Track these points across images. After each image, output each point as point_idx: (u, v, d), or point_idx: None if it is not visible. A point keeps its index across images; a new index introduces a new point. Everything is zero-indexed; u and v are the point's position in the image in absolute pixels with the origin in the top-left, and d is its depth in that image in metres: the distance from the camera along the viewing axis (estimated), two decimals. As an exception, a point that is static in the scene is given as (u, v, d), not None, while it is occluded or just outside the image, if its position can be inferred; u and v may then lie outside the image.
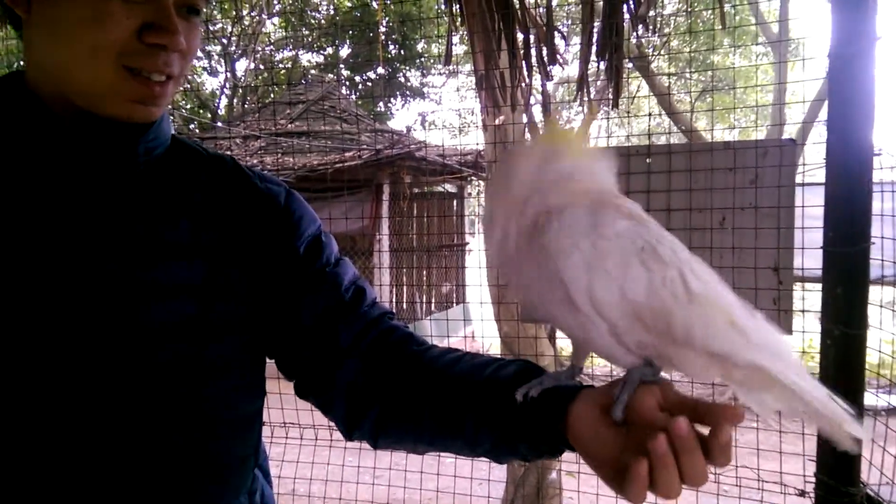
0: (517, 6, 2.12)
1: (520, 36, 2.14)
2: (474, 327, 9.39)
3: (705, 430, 0.58)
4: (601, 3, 2.06)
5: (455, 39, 2.41)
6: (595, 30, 2.03)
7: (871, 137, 1.18)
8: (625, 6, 2.00)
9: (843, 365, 1.26)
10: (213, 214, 0.81)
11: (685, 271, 0.64)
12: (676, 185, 1.52)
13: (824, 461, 1.29)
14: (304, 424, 2.75)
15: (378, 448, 0.89)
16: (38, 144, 0.74)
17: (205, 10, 0.78)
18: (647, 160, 1.50)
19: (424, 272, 9.47)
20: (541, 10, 2.21)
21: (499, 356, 0.81)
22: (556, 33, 2.08)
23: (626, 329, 0.63)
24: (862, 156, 1.18)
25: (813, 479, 1.30)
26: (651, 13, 1.96)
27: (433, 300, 9.70)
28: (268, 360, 0.89)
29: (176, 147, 0.83)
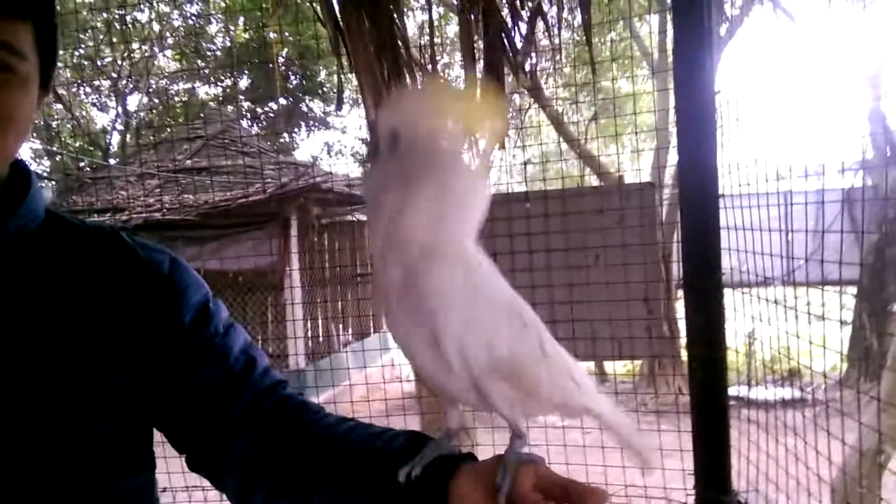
0: (404, 55, 2.21)
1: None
2: (393, 355, 9.39)
3: None
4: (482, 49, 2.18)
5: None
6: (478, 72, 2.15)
7: (717, 183, 1.33)
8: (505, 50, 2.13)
9: (709, 384, 1.40)
10: (91, 288, 0.79)
11: (542, 334, 0.72)
12: (553, 228, 1.64)
13: (700, 474, 1.42)
14: (207, 487, 2.69)
15: None
16: None
17: (19, 64, 0.71)
18: (526, 205, 1.61)
19: (339, 303, 9.37)
20: (425, 56, 2.31)
21: (388, 427, 0.82)
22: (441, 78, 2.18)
23: (486, 380, 0.67)
24: (709, 200, 1.32)
25: (692, 492, 1.43)
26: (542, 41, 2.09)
27: (349, 331, 9.61)
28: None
29: (50, 221, 0.81)
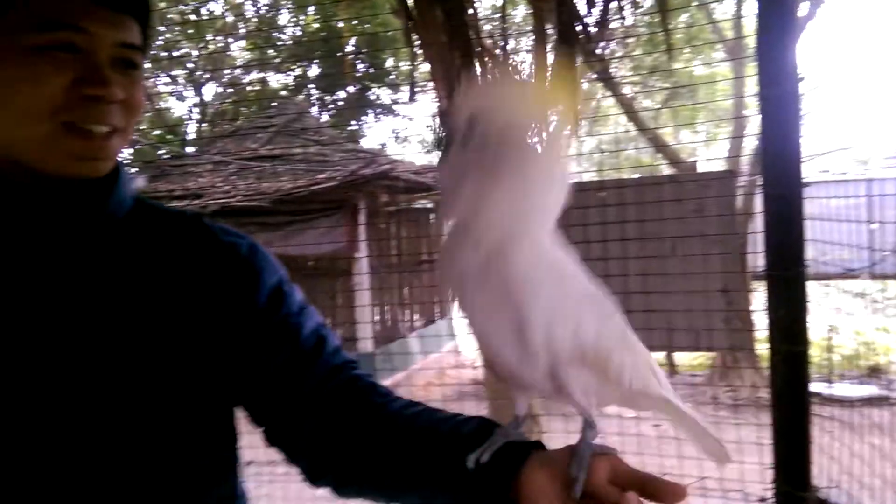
0: (475, 43, 2.22)
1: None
2: (457, 341, 9.45)
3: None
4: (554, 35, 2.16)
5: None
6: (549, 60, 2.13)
7: (800, 168, 1.29)
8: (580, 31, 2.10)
9: (790, 379, 1.36)
10: (176, 271, 0.82)
11: (623, 322, 0.73)
12: (629, 217, 1.62)
13: (780, 469, 1.38)
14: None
15: (341, 496, 0.88)
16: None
17: (142, 61, 0.78)
18: (601, 194, 1.59)
19: (406, 289, 9.49)
20: (496, 43, 2.31)
21: (456, 413, 0.82)
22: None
23: (568, 367, 0.67)
24: (793, 187, 1.28)
25: (771, 487, 1.40)
26: (614, 24, 2.06)
27: (416, 317, 9.74)
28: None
29: (137, 207, 0.84)
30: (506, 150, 0.66)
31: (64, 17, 0.71)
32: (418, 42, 2.27)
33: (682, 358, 8.44)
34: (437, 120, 2.24)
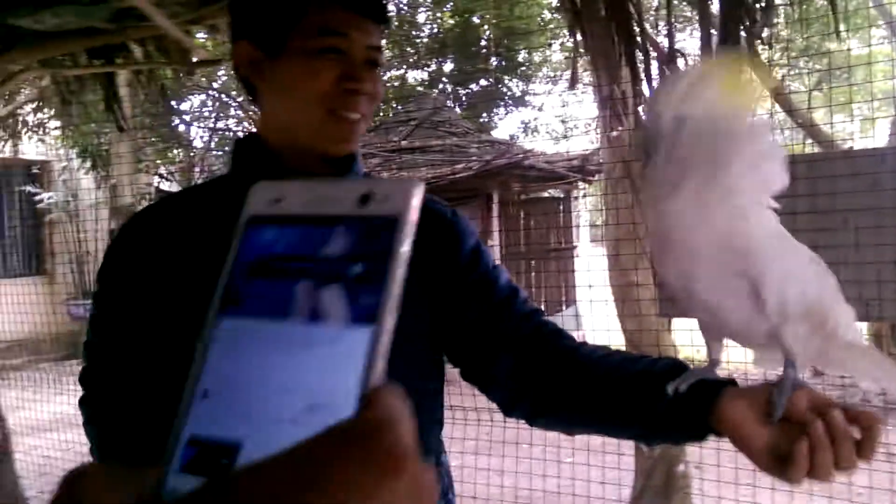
0: (637, 32, 2.35)
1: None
2: (585, 330, 9.48)
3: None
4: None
5: (556, 48, 2.68)
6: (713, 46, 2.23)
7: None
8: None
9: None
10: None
11: (824, 283, 0.82)
12: (801, 191, 1.69)
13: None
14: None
15: (533, 426, 1.01)
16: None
17: (382, 60, 0.95)
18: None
19: (534, 276, 9.65)
20: (661, 35, 2.42)
21: (645, 354, 0.95)
22: (676, 58, 2.30)
23: (793, 324, 0.76)
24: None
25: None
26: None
27: (543, 305, 9.89)
28: None
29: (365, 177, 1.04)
30: (718, 141, 0.74)
31: (336, 26, 0.89)
32: (580, 34, 2.44)
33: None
34: (601, 107, 2.40)
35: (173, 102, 9.73)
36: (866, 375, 0.84)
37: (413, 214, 0.29)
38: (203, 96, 11.27)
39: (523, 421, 1.01)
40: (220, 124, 11.76)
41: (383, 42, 1.00)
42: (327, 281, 0.28)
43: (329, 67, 0.89)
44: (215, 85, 10.73)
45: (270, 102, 0.95)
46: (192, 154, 11.03)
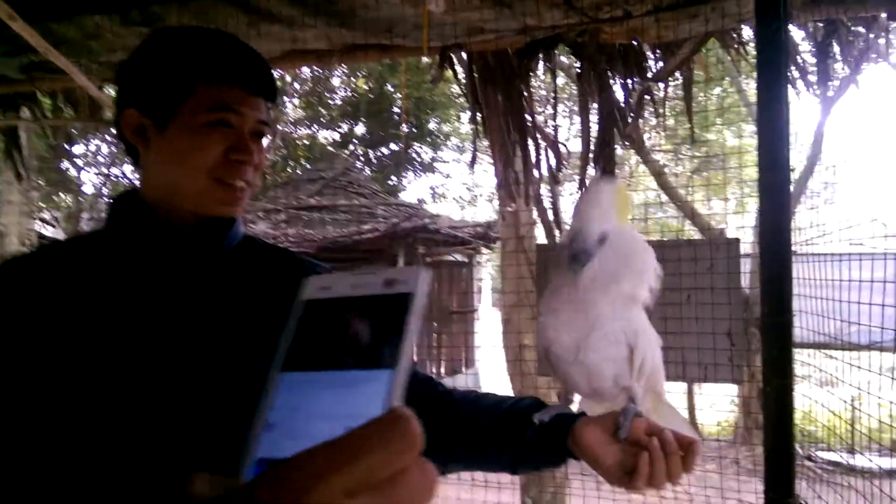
0: (529, 124, 2.64)
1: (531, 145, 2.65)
2: (483, 387, 9.65)
3: None
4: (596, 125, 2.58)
5: (465, 120, 2.94)
6: (591, 142, 2.55)
7: (789, 236, 1.66)
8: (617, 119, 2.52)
9: (780, 408, 1.69)
10: (270, 290, 0.97)
11: (659, 352, 1.11)
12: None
13: (769, 480, 1.69)
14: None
15: None
16: (150, 244, 0.93)
17: (267, 132, 0.98)
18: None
19: (436, 337, 9.80)
20: (549, 126, 2.73)
21: (510, 395, 1.08)
22: (560, 147, 2.60)
23: (642, 378, 1.04)
24: (784, 253, 1.64)
25: (762, 496, 1.70)
26: (648, 97, 2.45)
27: (446, 362, 10.01)
28: None
29: (247, 240, 1.04)
30: (632, 244, 1.02)
31: (227, 102, 0.91)
32: (479, 116, 2.70)
33: (708, 426, 8.57)
34: (498, 178, 2.64)
35: (65, 145, 9.35)
36: (667, 422, 1.08)
37: (422, 289, 0.38)
38: (98, 141, 10.87)
39: None
40: (115, 170, 11.36)
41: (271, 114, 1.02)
42: (363, 339, 0.38)
43: (218, 140, 0.91)
44: (112, 130, 10.39)
45: (155, 168, 0.96)
46: (80, 199, 10.57)
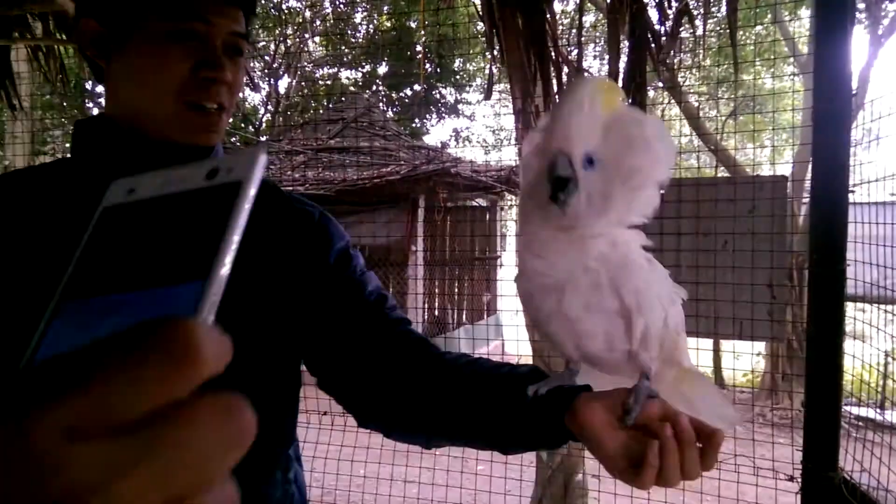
0: (550, 47, 2.40)
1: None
2: (504, 338, 9.58)
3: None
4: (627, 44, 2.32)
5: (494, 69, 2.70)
6: (622, 64, 2.29)
7: (847, 178, 1.43)
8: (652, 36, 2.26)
9: (827, 371, 1.49)
10: (257, 232, 0.94)
11: (677, 311, 0.84)
12: (685, 213, 1.77)
13: (809, 450, 1.52)
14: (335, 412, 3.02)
15: (389, 437, 0.96)
16: (116, 169, 0.90)
17: (246, 48, 0.87)
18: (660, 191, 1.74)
19: (456, 284, 9.71)
20: (573, 50, 2.48)
21: (509, 362, 0.91)
22: (585, 70, 2.35)
23: (650, 350, 0.78)
24: (840, 193, 1.42)
25: (800, 466, 1.53)
26: (683, 34, 2.20)
27: (465, 311, 9.94)
28: None
29: None
30: (623, 177, 0.73)
31: (193, 9, 0.81)
32: (497, 48, 2.46)
33: (729, 375, 8.39)
34: (518, 120, 2.41)
35: (88, 84, 9.25)
36: (699, 401, 0.86)
37: (256, 175, 0.31)
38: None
39: (379, 430, 0.97)
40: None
41: (249, 29, 0.90)
42: (167, 248, 0.30)
43: (182, 55, 0.81)
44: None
45: (116, 90, 0.86)
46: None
